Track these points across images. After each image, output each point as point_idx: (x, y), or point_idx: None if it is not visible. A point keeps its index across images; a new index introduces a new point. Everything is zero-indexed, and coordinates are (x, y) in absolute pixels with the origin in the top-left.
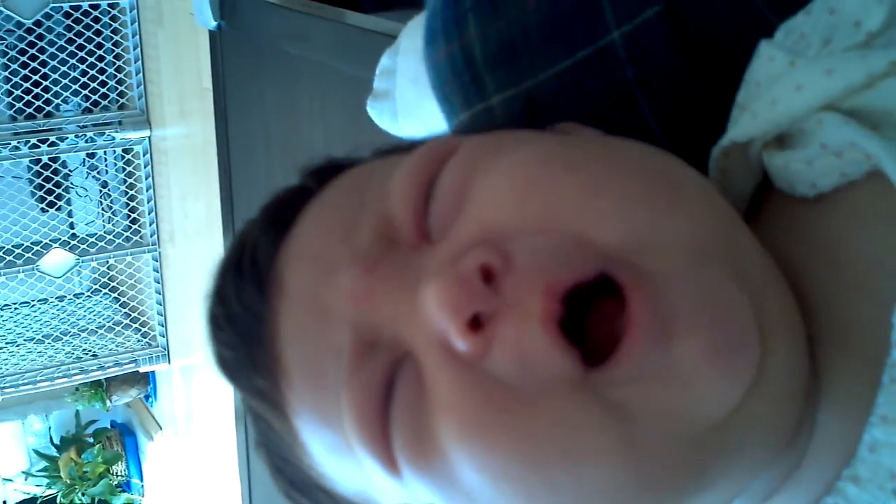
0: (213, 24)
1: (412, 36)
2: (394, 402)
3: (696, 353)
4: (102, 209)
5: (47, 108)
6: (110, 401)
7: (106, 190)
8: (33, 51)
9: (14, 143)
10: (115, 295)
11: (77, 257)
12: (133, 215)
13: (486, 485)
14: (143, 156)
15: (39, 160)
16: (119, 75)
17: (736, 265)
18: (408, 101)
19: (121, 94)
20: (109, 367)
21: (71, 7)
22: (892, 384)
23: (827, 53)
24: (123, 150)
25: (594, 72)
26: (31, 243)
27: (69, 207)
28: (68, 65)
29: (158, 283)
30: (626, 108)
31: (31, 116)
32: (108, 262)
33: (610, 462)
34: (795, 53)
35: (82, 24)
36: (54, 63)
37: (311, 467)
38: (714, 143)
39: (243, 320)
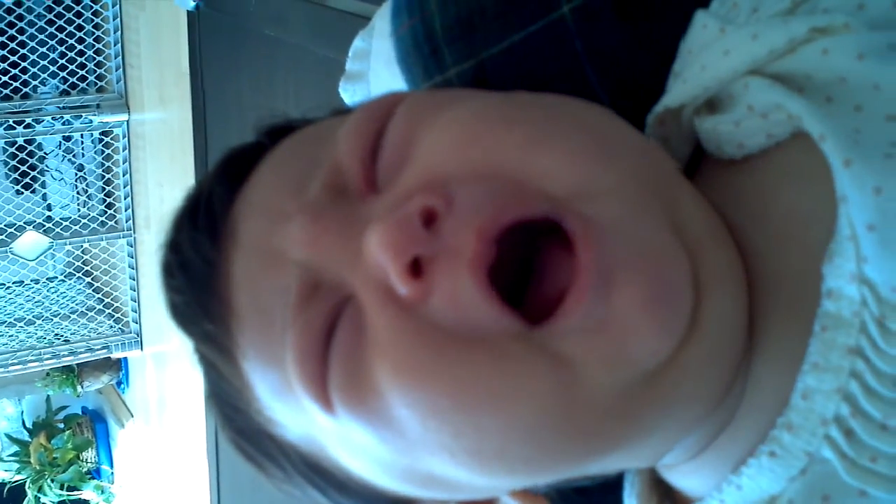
0: (191, 5)
1: (386, 18)
2: (334, 342)
3: (633, 303)
4: (78, 193)
5: (24, 90)
6: (81, 386)
7: (82, 173)
8: (12, 31)
9: None
10: (89, 280)
11: (51, 240)
12: (109, 200)
13: (417, 423)
14: (121, 140)
15: (15, 142)
16: (98, 58)
17: (673, 217)
18: (382, 82)
19: (99, 78)
20: (81, 353)
21: None
22: (823, 332)
23: (754, 20)
24: (101, 134)
25: (545, 45)
26: (5, 225)
27: (44, 190)
28: (47, 46)
29: (133, 268)
30: (576, 79)
31: (7, 97)
32: (82, 246)
33: (539, 407)
34: (726, 21)
35: (63, 5)
36: (33, 44)
37: (259, 412)
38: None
39: (196, 267)
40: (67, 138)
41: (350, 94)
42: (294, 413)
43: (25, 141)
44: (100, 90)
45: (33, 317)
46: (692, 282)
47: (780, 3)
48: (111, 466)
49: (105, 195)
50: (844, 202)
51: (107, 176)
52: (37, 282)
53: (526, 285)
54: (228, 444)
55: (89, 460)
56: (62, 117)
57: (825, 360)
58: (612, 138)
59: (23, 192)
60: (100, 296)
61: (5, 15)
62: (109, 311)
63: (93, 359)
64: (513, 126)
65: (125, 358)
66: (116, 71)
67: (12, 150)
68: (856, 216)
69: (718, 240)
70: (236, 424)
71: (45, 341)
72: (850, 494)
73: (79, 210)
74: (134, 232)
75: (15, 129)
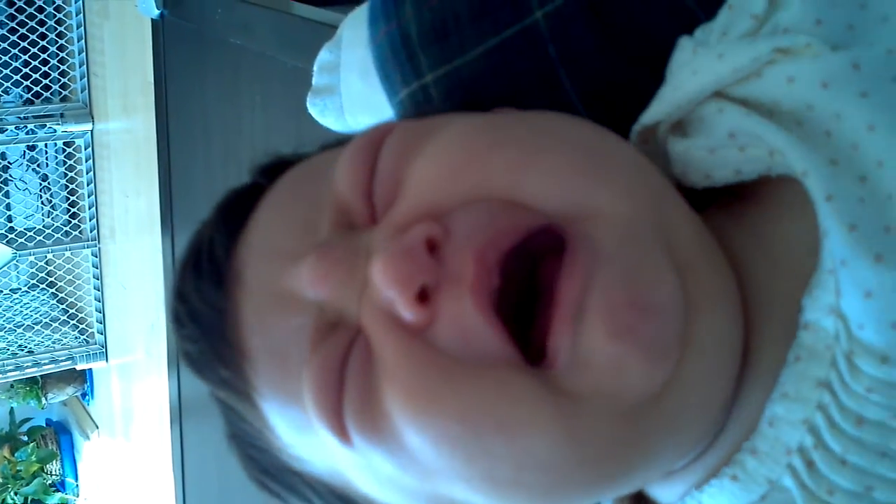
0: (155, 12)
1: (354, 28)
2: (347, 373)
3: (603, 337)
4: (42, 203)
5: None
6: (46, 398)
7: (46, 183)
8: None
9: None
10: (53, 290)
11: (14, 251)
12: (73, 210)
13: (429, 448)
14: (85, 149)
15: None
16: (62, 67)
17: (666, 236)
18: (356, 95)
19: (63, 87)
20: (45, 364)
21: None
22: (796, 363)
23: (724, 41)
24: (65, 144)
25: (520, 50)
26: None
27: (7, 200)
28: (10, 55)
29: (97, 279)
30: (551, 85)
31: None
32: (46, 256)
33: (545, 433)
34: (700, 43)
35: (25, 14)
36: None
37: (281, 450)
38: (634, 123)
39: (205, 315)
40: (31, 147)
41: (319, 109)
42: (315, 448)
43: None
44: (64, 99)
45: None
46: (682, 302)
47: (744, 25)
48: (76, 479)
49: (69, 205)
50: (827, 236)
51: (71, 186)
52: None
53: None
54: (252, 482)
55: (54, 473)
56: (26, 126)
57: (795, 391)
58: (601, 155)
59: None
60: (64, 307)
61: None
62: (74, 322)
63: (57, 370)
64: (498, 150)
65: (90, 369)
66: (81, 80)
67: None
68: (834, 251)
69: (711, 259)
70: (259, 464)
71: (9, 353)
72: None
73: (42, 220)
74: (98, 242)
75: None
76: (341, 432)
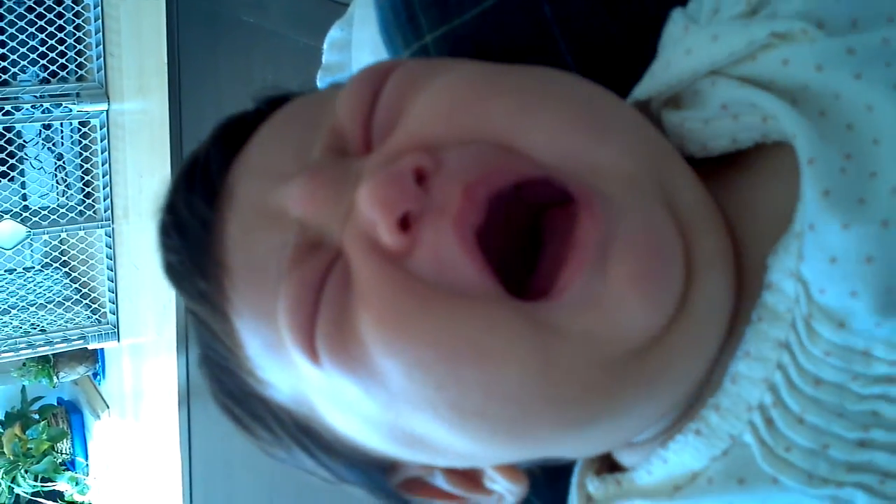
0: None
1: (366, 6)
2: (324, 294)
3: (625, 278)
4: (57, 182)
5: (4, 77)
6: (57, 377)
7: (61, 162)
8: None
9: None
10: (66, 270)
11: (28, 230)
12: (87, 189)
13: (400, 374)
14: (100, 129)
15: None
16: (79, 46)
17: (667, 196)
18: None
19: (80, 66)
20: (58, 343)
21: None
22: (759, 323)
23: (715, 21)
24: (80, 123)
25: (516, 10)
26: None
27: (22, 178)
28: (27, 33)
29: (111, 259)
30: (546, 46)
31: None
32: (60, 235)
33: (520, 363)
34: (692, 20)
35: None
36: (13, 31)
37: (250, 373)
38: (627, 87)
39: (191, 227)
40: (47, 126)
41: None
42: (284, 370)
43: (4, 129)
44: (80, 79)
45: (9, 306)
46: (683, 262)
47: (737, 7)
48: (86, 458)
49: (84, 184)
50: (801, 200)
51: (85, 165)
52: (12, 271)
53: (532, 265)
54: (218, 407)
55: (64, 451)
56: (42, 105)
57: (756, 350)
58: (605, 112)
59: (0, 181)
60: (77, 286)
61: None
62: (86, 301)
63: (69, 349)
64: (503, 94)
65: (102, 349)
66: (97, 60)
67: None
68: (806, 214)
69: (710, 224)
70: (226, 387)
71: (22, 331)
72: (763, 480)
73: (57, 199)
74: (112, 222)
75: None
76: (310, 351)
